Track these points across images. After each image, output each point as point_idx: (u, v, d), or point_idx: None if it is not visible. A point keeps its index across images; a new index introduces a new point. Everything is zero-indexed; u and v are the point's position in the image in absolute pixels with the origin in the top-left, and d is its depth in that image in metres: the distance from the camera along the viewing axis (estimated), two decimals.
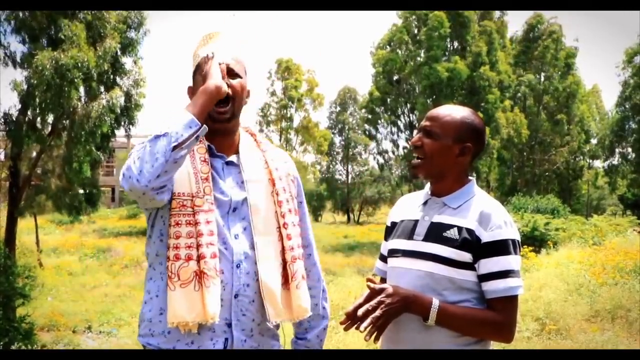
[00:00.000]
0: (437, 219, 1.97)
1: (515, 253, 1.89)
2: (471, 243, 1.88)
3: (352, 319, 1.84)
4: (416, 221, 2.01)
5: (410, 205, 2.10)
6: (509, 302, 1.88)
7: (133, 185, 1.67)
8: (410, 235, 2.00)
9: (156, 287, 1.83)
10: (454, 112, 1.99)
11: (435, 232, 1.94)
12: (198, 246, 1.78)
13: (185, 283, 1.75)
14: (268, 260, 1.90)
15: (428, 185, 2.06)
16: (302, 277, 1.97)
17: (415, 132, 2.09)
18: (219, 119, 1.88)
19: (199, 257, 1.77)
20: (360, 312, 1.80)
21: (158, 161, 1.66)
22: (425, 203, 2.04)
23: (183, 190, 1.81)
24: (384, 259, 2.15)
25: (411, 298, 1.84)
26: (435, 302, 1.84)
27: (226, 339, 1.84)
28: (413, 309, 1.84)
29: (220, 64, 1.85)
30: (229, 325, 1.84)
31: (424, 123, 1.99)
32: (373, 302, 1.81)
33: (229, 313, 1.83)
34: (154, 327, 1.82)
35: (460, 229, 1.91)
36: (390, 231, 2.13)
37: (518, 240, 1.92)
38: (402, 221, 2.08)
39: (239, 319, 1.85)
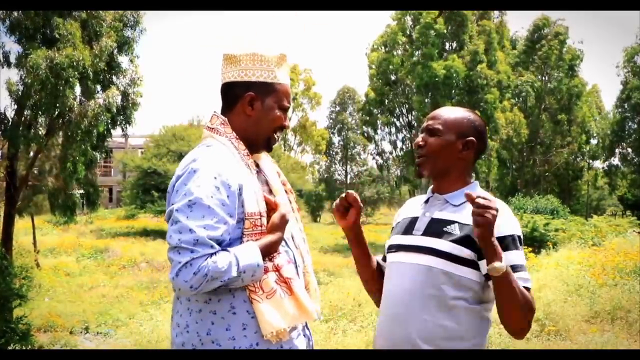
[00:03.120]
0: (438, 215, 1.99)
1: (520, 248, 1.92)
2: (475, 241, 1.87)
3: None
4: (416, 217, 2.04)
5: (414, 205, 2.14)
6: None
7: (185, 291, 1.73)
8: (409, 231, 2.02)
9: (228, 304, 1.81)
10: (456, 110, 2.06)
11: (435, 227, 1.96)
12: (271, 258, 1.85)
13: (271, 294, 1.81)
14: (307, 259, 2.06)
15: (431, 186, 2.09)
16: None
17: (414, 132, 2.12)
18: (272, 147, 2.02)
19: (275, 268, 1.84)
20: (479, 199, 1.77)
21: (213, 288, 1.75)
22: (427, 201, 2.07)
23: (253, 210, 1.85)
24: (384, 258, 2.18)
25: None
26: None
27: (305, 335, 1.94)
28: (491, 242, 1.79)
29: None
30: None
31: (427, 123, 2.05)
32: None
33: None
34: (238, 343, 1.81)
35: (461, 225, 1.92)
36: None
37: (521, 236, 1.94)
38: (403, 219, 2.11)
39: None
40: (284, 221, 1.89)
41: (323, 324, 7.25)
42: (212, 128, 1.94)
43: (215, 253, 1.71)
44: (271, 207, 1.91)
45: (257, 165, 2.02)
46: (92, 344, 11.70)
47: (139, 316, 10.87)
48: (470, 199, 1.79)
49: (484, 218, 1.76)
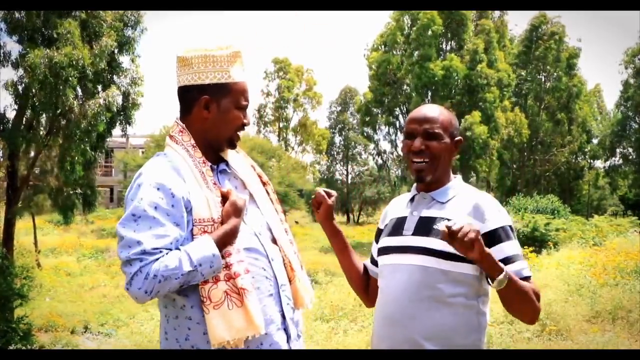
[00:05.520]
0: (426, 213, 1.98)
1: (514, 238, 1.94)
2: None
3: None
4: (404, 217, 2.03)
5: (399, 205, 2.13)
6: (527, 282, 1.92)
7: (141, 298, 1.72)
8: (399, 232, 2.01)
9: (201, 310, 1.81)
10: (441, 110, 2.04)
11: (425, 226, 1.95)
12: (227, 266, 1.80)
13: (218, 304, 1.77)
14: (288, 250, 2.00)
15: (415, 185, 2.08)
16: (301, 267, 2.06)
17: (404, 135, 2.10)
18: (235, 144, 2.00)
19: (228, 277, 1.79)
20: (460, 233, 1.74)
21: (173, 287, 1.74)
22: (412, 200, 2.06)
23: (203, 216, 1.82)
24: (373, 261, 2.19)
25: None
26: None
27: (285, 329, 1.91)
28: (487, 258, 1.79)
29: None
30: (283, 316, 1.91)
31: (423, 126, 1.98)
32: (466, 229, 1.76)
33: (280, 305, 1.91)
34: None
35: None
36: (380, 233, 2.15)
37: (512, 225, 1.96)
38: (391, 220, 2.10)
39: (290, 306, 1.95)
40: (236, 208, 1.84)
41: (324, 323, 7.25)
42: (172, 136, 1.95)
43: (163, 255, 1.71)
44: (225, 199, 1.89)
45: (227, 163, 2.01)
46: (93, 344, 11.69)
47: (140, 316, 10.87)
48: (445, 235, 1.77)
49: (468, 240, 1.74)
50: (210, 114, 1.92)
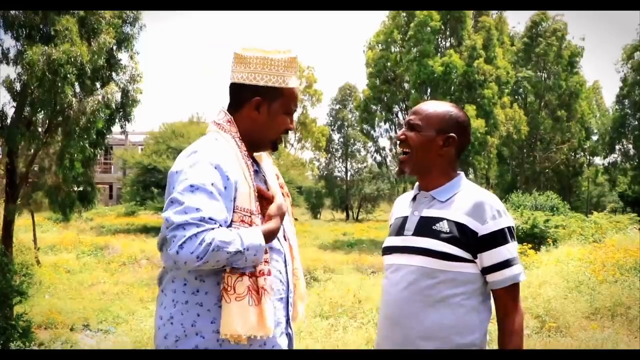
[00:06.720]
0: (426, 213, 1.98)
1: (512, 239, 1.93)
2: (467, 238, 1.89)
3: None
4: (406, 217, 2.03)
5: (403, 204, 2.13)
6: (513, 289, 1.95)
7: (190, 263, 1.70)
8: (400, 232, 2.02)
9: (215, 298, 1.83)
10: (437, 105, 2.03)
11: (425, 226, 1.95)
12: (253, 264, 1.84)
13: (241, 297, 1.79)
14: (296, 263, 2.06)
15: (417, 184, 2.08)
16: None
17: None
18: (277, 147, 2.06)
19: (254, 274, 1.82)
20: None
21: (221, 262, 1.73)
22: (414, 199, 2.06)
23: (244, 206, 1.86)
24: None
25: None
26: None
27: (288, 334, 1.95)
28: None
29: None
30: (288, 321, 1.95)
31: (408, 117, 2.04)
32: None
33: (287, 310, 1.95)
34: (222, 336, 1.81)
35: (450, 222, 1.92)
36: None
37: (512, 226, 1.94)
38: (394, 220, 2.11)
39: (291, 314, 1.98)
40: (281, 211, 1.91)
41: (324, 320, 7.25)
42: (219, 124, 1.97)
43: (218, 228, 1.74)
44: (267, 200, 1.92)
45: (258, 165, 2.05)
46: (92, 341, 11.68)
47: (139, 313, 10.87)
48: None
49: None
50: (260, 115, 1.96)
